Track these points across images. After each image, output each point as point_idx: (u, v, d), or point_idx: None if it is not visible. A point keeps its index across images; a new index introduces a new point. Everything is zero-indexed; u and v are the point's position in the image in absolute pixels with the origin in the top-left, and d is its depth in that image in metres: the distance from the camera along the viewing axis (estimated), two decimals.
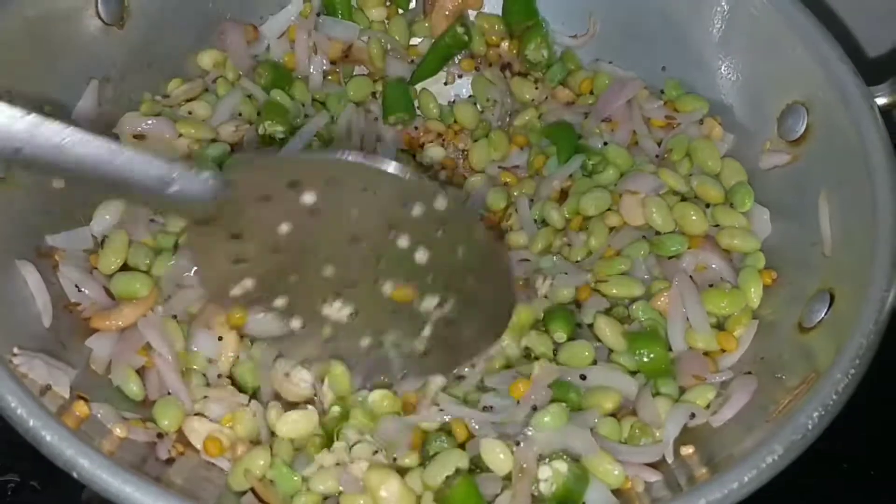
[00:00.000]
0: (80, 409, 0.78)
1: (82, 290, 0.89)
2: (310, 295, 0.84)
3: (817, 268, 0.88)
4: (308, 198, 0.78)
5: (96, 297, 0.89)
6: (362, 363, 0.86)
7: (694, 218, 0.96)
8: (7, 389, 0.71)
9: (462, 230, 0.80)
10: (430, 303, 0.84)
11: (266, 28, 1.10)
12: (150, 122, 0.99)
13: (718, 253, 0.95)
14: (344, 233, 0.80)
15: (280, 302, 0.84)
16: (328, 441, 0.83)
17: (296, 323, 0.85)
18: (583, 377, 0.86)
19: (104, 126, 0.97)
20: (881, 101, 0.90)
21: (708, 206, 0.98)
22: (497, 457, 0.80)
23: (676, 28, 1.05)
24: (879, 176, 0.85)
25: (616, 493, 0.80)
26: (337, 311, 0.84)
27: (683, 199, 0.99)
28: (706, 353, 0.90)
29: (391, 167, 0.76)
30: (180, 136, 0.99)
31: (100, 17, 0.97)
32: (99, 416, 0.79)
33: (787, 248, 0.94)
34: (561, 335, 0.89)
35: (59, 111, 0.93)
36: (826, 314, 0.83)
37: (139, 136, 0.98)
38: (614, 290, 0.93)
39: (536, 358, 0.88)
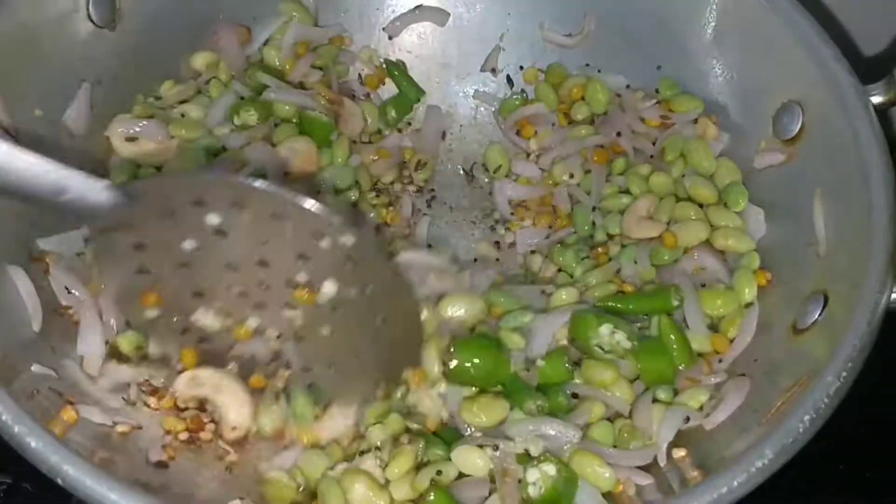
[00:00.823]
0: (69, 414, 0.77)
1: (73, 292, 0.88)
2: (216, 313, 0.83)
3: (812, 268, 0.87)
4: (212, 218, 0.76)
5: (87, 300, 0.88)
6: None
7: (694, 218, 0.96)
8: None
9: (370, 267, 0.79)
10: (331, 332, 0.82)
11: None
12: (141, 124, 0.99)
13: (713, 253, 0.95)
14: (251, 255, 0.79)
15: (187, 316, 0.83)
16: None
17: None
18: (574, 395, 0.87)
19: (96, 129, 0.97)
20: (876, 99, 0.89)
21: (701, 206, 0.98)
22: (474, 462, 0.80)
23: (671, 27, 1.05)
24: (875, 175, 0.84)
25: (607, 496, 0.80)
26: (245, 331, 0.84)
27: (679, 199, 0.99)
28: (700, 355, 0.89)
29: (300, 199, 0.75)
30: (172, 137, 0.99)
31: (91, 20, 0.96)
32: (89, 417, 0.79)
33: (781, 248, 0.93)
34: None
35: (50, 114, 0.93)
36: (820, 316, 0.83)
37: (131, 139, 0.98)
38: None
39: None
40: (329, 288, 0.80)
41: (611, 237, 1.00)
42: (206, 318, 0.83)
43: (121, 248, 0.78)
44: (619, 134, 1.05)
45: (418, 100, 1.14)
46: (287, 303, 0.81)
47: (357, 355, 0.83)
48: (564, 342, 0.89)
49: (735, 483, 0.70)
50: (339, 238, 0.77)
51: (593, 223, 1.01)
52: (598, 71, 1.10)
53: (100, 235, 0.78)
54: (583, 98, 1.09)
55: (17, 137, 0.88)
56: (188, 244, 0.78)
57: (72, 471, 0.67)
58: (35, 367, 0.80)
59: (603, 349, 0.87)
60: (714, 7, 1.01)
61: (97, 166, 0.96)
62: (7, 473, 0.95)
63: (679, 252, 0.95)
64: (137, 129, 0.99)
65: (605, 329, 0.87)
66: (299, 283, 0.80)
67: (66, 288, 0.88)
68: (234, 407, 0.85)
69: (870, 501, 0.99)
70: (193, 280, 0.81)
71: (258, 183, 0.75)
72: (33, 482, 0.95)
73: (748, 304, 0.91)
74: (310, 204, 0.75)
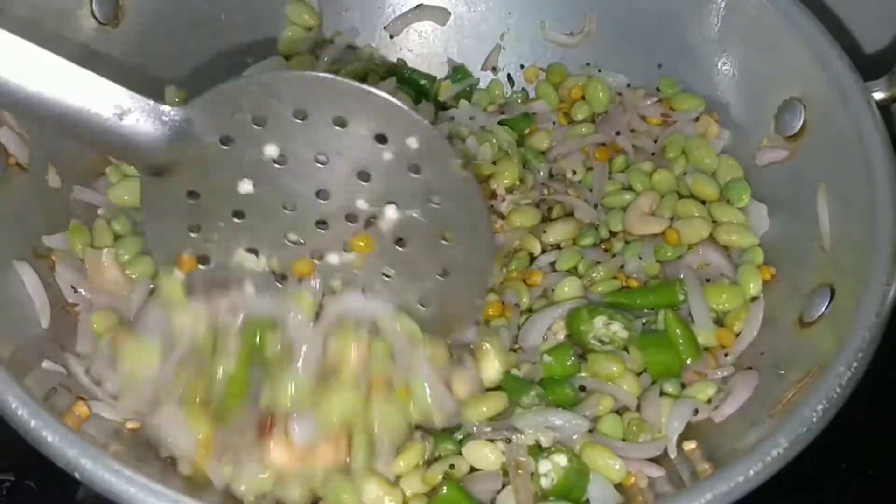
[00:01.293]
0: (81, 409, 0.77)
1: (79, 290, 0.88)
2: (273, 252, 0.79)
3: (817, 263, 0.88)
4: (271, 144, 0.73)
5: (93, 297, 0.88)
6: None
7: (697, 215, 0.97)
8: (8, 390, 0.70)
9: (438, 171, 0.74)
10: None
11: None
12: None
13: (717, 249, 0.95)
14: (310, 184, 0.75)
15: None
16: None
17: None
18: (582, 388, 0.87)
19: None
20: (878, 95, 0.90)
21: (703, 202, 0.98)
22: (486, 456, 0.81)
23: (673, 25, 1.05)
24: (878, 170, 0.85)
25: (619, 489, 0.80)
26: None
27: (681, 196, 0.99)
28: (706, 349, 0.90)
29: (370, 88, 0.70)
30: None
31: (94, 17, 0.96)
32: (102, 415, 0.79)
33: (786, 243, 0.94)
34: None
35: None
36: (827, 309, 0.83)
37: None
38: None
39: None
40: (391, 214, 0.76)
41: (613, 234, 1.00)
42: (258, 266, 0.80)
43: (172, 195, 0.75)
44: (618, 133, 1.06)
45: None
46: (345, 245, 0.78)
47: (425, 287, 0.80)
48: (562, 336, 0.90)
49: (751, 472, 0.70)
50: (406, 137, 0.72)
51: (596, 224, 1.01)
52: (599, 70, 1.10)
53: (152, 179, 0.74)
54: (583, 97, 1.10)
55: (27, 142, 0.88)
56: (244, 185, 0.75)
57: (90, 465, 0.67)
58: (45, 364, 0.80)
59: (602, 342, 0.88)
60: (716, 5, 1.01)
61: (97, 165, 0.96)
62: (10, 471, 0.94)
63: (683, 248, 0.95)
64: None
65: (598, 321, 0.88)
66: (359, 215, 0.76)
67: (73, 286, 0.88)
68: None
69: (872, 500, 0.99)
70: (246, 227, 0.77)
71: (323, 75, 0.71)
72: (36, 480, 0.94)
73: (753, 299, 0.92)
74: (378, 91, 0.70)
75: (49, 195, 0.90)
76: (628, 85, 1.09)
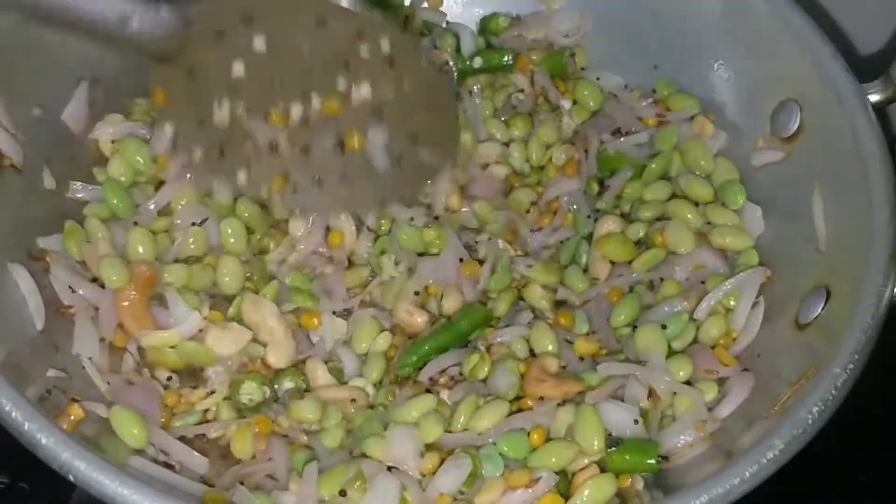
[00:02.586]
0: (75, 412, 0.77)
1: (75, 291, 0.88)
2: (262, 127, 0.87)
3: (813, 264, 0.88)
4: (259, 36, 0.84)
5: (89, 298, 0.88)
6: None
7: (688, 215, 0.96)
8: (2, 393, 0.70)
9: (408, 65, 0.88)
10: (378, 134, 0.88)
11: None
12: (129, 127, 0.97)
13: (712, 250, 0.95)
14: (296, 67, 0.86)
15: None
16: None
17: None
18: None
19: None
20: (874, 97, 0.91)
21: (697, 204, 0.99)
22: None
23: (668, 26, 1.06)
24: (874, 171, 0.85)
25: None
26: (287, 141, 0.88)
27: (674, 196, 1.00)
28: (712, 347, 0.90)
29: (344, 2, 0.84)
30: None
31: None
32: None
33: (781, 245, 0.94)
34: None
35: (49, 112, 0.92)
36: (823, 310, 0.84)
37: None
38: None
39: None
40: (365, 91, 0.87)
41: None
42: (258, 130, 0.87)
43: (178, 76, 0.85)
44: (614, 132, 1.06)
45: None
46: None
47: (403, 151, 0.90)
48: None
49: (747, 474, 0.71)
50: (378, 39, 0.86)
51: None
52: (597, 78, 1.09)
53: (158, 65, 0.85)
54: (575, 102, 1.08)
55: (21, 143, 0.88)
56: (237, 67, 0.85)
57: (84, 467, 0.67)
58: (40, 366, 0.79)
59: None
60: (711, 7, 1.02)
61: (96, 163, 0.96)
62: (4, 473, 0.94)
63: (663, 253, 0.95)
64: (124, 133, 0.97)
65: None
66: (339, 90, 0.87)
67: (70, 287, 0.87)
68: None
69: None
70: (243, 99, 0.86)
71: None
72: (30, 481, 0.94)
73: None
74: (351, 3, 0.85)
75: (44, 197, 0.90)
76: (625, 86, 1.09)
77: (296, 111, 0.87)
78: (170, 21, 0.80)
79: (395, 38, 0.87)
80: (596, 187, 1.03)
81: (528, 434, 0.81)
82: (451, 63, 1.08)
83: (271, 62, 0.86)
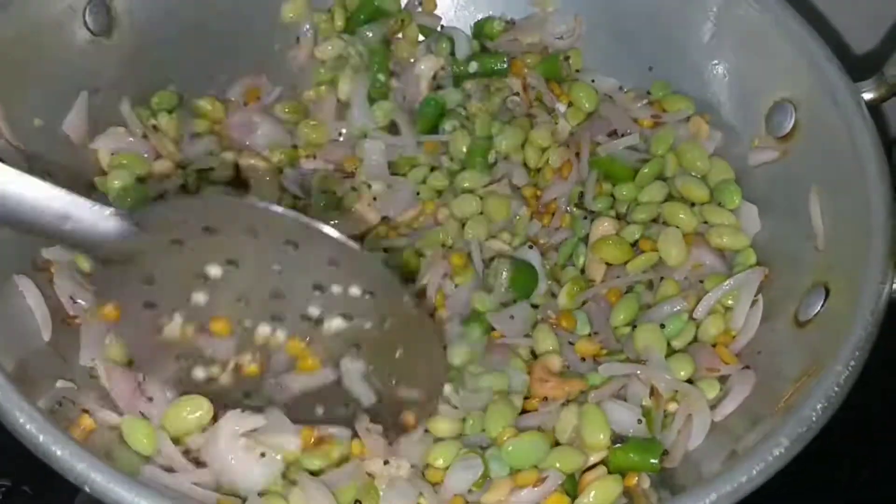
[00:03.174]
0: (86, 422, 0.77)
1: (78, 301, 0.87)
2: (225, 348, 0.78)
3: (811, 262, 0.89)
4: (224, 246, 0.73)
5: (92, 308, 0.87)
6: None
7: (682, 217, 0.97)
8: (15, 405, 0.70)
9: (388, 302, 0.76)
10: (354, 367, 0.79)
11: None
12: (129, 140, 0.98)
13: (710, 250, 0.96)
14: (264, 286, 0.75)
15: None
16: None
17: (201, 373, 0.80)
18: None
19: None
20: (868, 95, 0.91)
21: (693, 205, 0.99)
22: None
23: (663, 28, 1.06)
24: (870, 169, 0.86)
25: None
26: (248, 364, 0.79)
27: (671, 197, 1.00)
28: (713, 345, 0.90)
29: (319, 225, 0.71)
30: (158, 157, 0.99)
31: (87, 28, 0.96)
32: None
33: (779, 243, 0.95)
34: None
35: (48, 123, 0.93)
36: (822, 307, 0.84)
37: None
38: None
39: None
40: (337, 324, 0.77)
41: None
42: (216, 351, 0.78)
43: (126, 281, 0.75)
44: (610, 134, 1.06)
45: None
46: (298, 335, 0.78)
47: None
48: None
49: (754, 472, 0.71)
50: (355, 270, 0.74)
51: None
52: (592, 81, 1.10)
53: (104, 267, 0.75)
54: (570, 105, 1.09)
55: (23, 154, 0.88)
56: (197, 277, 0.75)
57: (100, 478, 0.67)
58: (50, 377, 0.79)
59: None
60: (706, 7, 1.02)
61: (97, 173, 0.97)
62: (6, 477, 0.94)
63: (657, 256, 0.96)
64: (123, 145, 0.97)
65: None
66: (311, 316, 0.77)
67: (72, 297, 0.87)
68: None
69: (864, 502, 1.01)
70: (202, 314, 0.77)
71: (274, 207, 0.72)
72: (33, 485, 0.94)
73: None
74: (326, 229, 0.71)
75: None
76: (620, 88, 1.10)
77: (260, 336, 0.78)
78: (116, 223, 0.71)
79: (375, 273, 0.75)
80: (592, 189, 1.03)
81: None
82: (447, 67, 1.09)
83: (235, 280, 0.75)
